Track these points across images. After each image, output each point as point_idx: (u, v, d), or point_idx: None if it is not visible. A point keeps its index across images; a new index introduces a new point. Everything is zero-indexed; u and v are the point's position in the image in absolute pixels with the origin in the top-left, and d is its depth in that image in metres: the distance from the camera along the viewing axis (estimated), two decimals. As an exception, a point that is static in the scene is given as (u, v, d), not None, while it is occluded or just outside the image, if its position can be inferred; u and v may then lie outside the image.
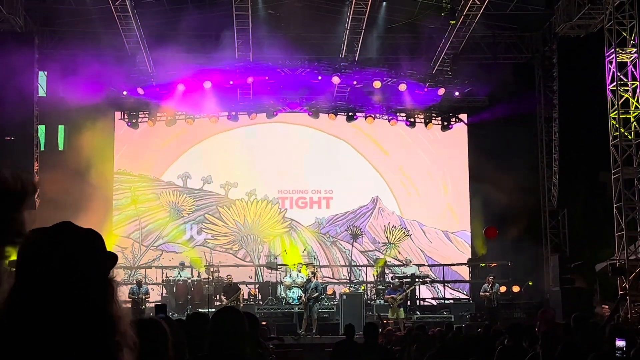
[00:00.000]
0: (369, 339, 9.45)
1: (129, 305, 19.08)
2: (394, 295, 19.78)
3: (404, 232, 24.77)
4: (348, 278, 23.71)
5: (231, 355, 3.84)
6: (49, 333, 1.52)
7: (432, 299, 23.41)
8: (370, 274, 23.25)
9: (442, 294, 23.86)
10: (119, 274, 1.79)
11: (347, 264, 24.27)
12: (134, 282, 20.37)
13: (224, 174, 24.49)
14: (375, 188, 24.98)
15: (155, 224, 24.38)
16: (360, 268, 24.29)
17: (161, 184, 24.62)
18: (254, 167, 24.46)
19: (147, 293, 20.03)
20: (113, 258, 1.75)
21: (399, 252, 24.43)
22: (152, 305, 19.45)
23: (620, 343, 6.89)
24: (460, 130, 25.01)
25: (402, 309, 19.69)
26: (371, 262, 23.96)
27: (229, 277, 20.96)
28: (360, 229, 24.44)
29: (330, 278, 23.98)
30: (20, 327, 1.50)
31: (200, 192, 24.62)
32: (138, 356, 1.65)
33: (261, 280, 22.81)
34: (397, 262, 23.64)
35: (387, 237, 24.71)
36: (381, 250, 24.39)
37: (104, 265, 1.69)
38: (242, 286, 21.42)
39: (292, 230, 24.57)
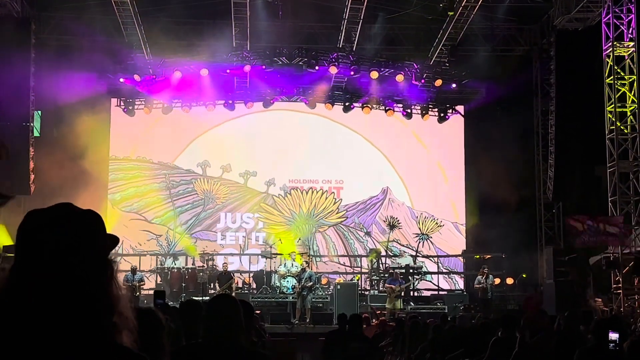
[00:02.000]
0: (355, 329, 9.86)
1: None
2: (393, 286, 19.75)
3: (436, 223, 24.67)
4: (382, 270, 23.23)
5: (225, 342, 3.84)
6: (46, 312, 1.52)
7: (425, 289, 23.43)
8: (365, 264, 23.27)
9: (460, 285, 23.90)
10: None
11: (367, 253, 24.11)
12: (129, 269, 20.38)
13: (238, 163, 24.56)
14: (386, 178, 24.91)
15: (183, 208, 24.46)
16: (355, 258, 24.30)
17: (180, 171, 24.58)
18: (263, 155, 24.51)
19: (141, 280, 20.02)
20: (113, 239, 1.74)
21: (432, 244, 24.41)
22: (147, 292, 19.52)
23: (614, 335, 6.90)
24: (456, 122, 24.98)
25: (399, 300, 19.71)
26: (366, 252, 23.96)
27: (224, 265, 21.00)
28: (398, 220, 24.26)
29: (348, 267, 24.02)
30: (19, 306, 1.50)
31: (220, 180, 24.62)
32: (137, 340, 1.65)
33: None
34: (391, 252, 23.65)
35: (419, 229, 24.60)
36: (411, 247, 24.13)
37: (103, 245, 1.69)
38: (236, 274, 21.45)
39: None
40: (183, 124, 24.29)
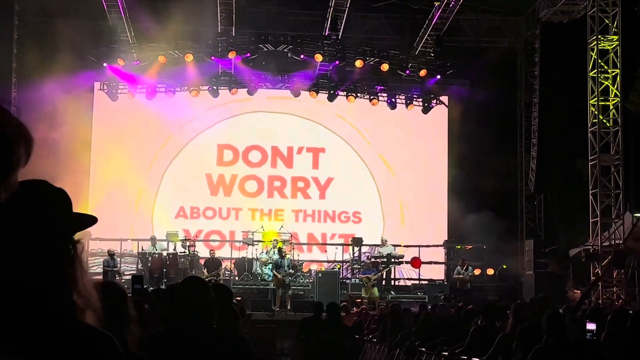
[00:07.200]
0: (332, 317, 9.99)
1: (102, 276, 19.00)
2: (369, 275, 19.86)
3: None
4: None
5: (198, 325, 3.85)
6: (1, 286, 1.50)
7: (407, 279, 23.46)
8: (346, 253, 23.27)
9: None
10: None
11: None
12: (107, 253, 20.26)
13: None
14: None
15: None
16: (337, 247, 24.28)
17: None
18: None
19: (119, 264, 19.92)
20: (92, 219, 1.74)
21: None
22: (128, 277, 19.44)
23: (591, 326, 6.98)
24: (440, 112, 24.94)
25: (375, 289, 19.77)
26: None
27: (212, 252, 20.94)
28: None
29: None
30: None
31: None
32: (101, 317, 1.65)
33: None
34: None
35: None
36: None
37: (66, 224, 1.67)
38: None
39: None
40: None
